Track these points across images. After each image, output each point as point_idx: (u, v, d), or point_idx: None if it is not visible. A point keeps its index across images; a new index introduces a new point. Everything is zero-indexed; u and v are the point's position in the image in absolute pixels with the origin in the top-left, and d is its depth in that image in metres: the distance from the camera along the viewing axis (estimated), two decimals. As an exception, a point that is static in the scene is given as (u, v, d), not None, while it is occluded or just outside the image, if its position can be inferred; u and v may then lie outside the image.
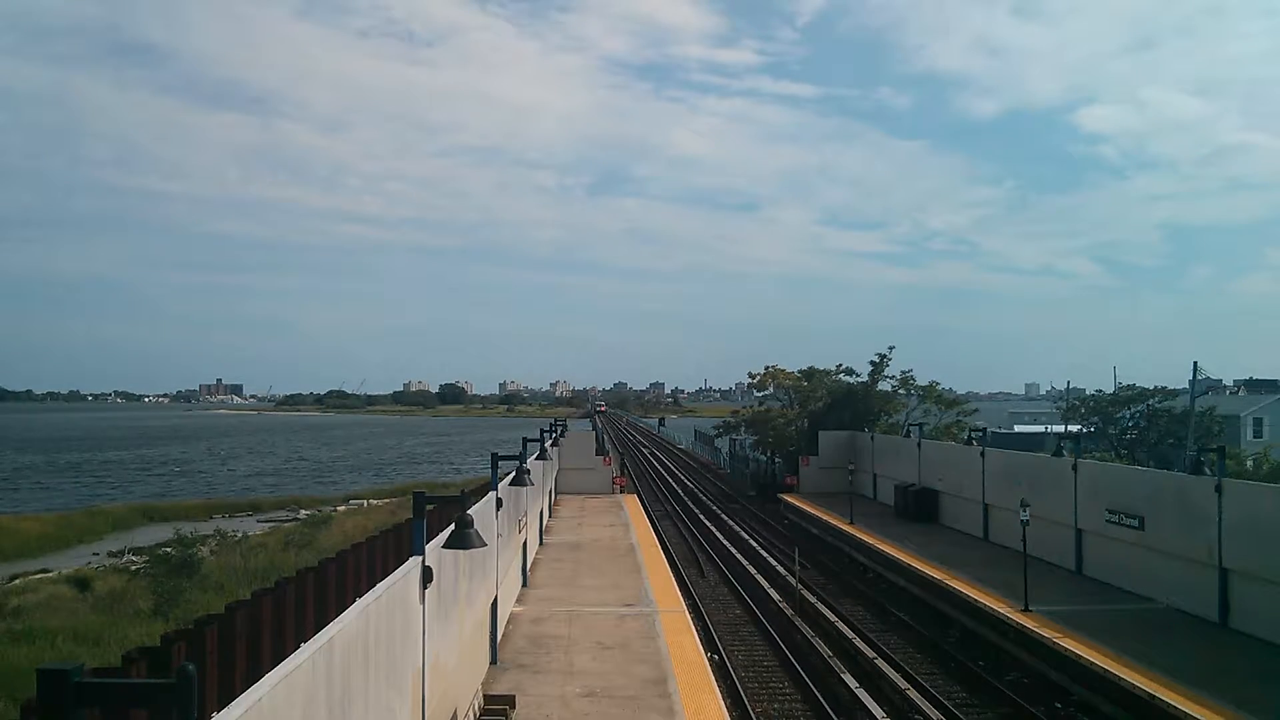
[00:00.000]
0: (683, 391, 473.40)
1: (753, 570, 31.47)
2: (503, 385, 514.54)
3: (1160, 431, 50.61)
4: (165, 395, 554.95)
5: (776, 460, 55.02)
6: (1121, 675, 16.74)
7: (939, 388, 52.96)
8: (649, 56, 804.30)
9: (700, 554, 35.53)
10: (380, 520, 44.81)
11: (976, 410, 58.30)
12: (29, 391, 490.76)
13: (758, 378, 59.42)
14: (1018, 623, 20.64)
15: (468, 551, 10.66)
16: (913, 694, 18.21)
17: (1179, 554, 21.69)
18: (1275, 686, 16.14)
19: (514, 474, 18.00)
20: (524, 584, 23.67)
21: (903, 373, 52.26)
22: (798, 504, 42.81)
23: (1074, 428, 54.35)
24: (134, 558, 40.80)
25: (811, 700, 18.64)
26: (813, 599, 26.66)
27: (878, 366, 52.14)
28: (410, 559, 9.59)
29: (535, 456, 28.24)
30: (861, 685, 18.85)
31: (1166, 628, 20.29)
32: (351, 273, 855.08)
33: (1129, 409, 52.52)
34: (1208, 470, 22.85)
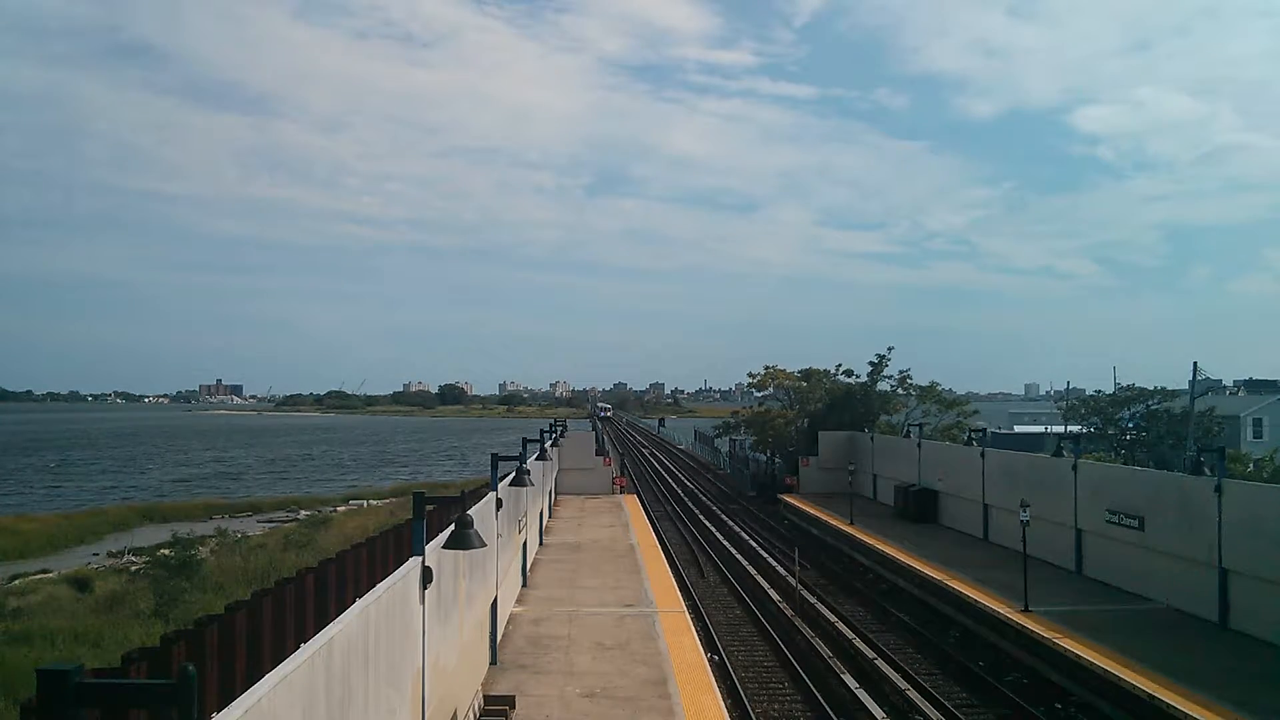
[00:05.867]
0: (683, 392, 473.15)
1: (752, 571, 31.47)
2: (503, 385, 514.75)
3: (1160, 432, 50.61)
4: (165, 395, 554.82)
5: (776, 461, 55.02)
6: (1121, 675, 16.74)
7: (938, 388, 53.00)
8: (647, 57, 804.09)
9: (700, 554, 35.53)
10: (380, 521, 44.80)
11: (976, 411, 58.30)
12: (29, 392, 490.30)
13: (757, 378, 59.46)
14: (1018, 623, 20.64)
15: (467, 552, 10.67)
16: (913, 694, 18.22)
17: (1179, 554, 21.70)
18: (1275, 687, 16.15)
19: (514, 474, 17.98)
20: (524, 584, 23.68)
21: (901, 373, 52.34)
22: (797, 504, 42.81)
23: (1074, 428, 54.38)
24: (134, 558, 40.79)
25: (811, 701, 18.64)
26: (812, 599, 26.67)
27: (877, 367, 52.16)
28: (410, 559, 9.60)
29: (535, 457, 28.23)
30: (861, 685, 18.87)
31: (1166, 628, 20.30)
32: (351, 273, 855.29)
33: (1129, 409, 52.56)
34: (1208, 471, 22.84)
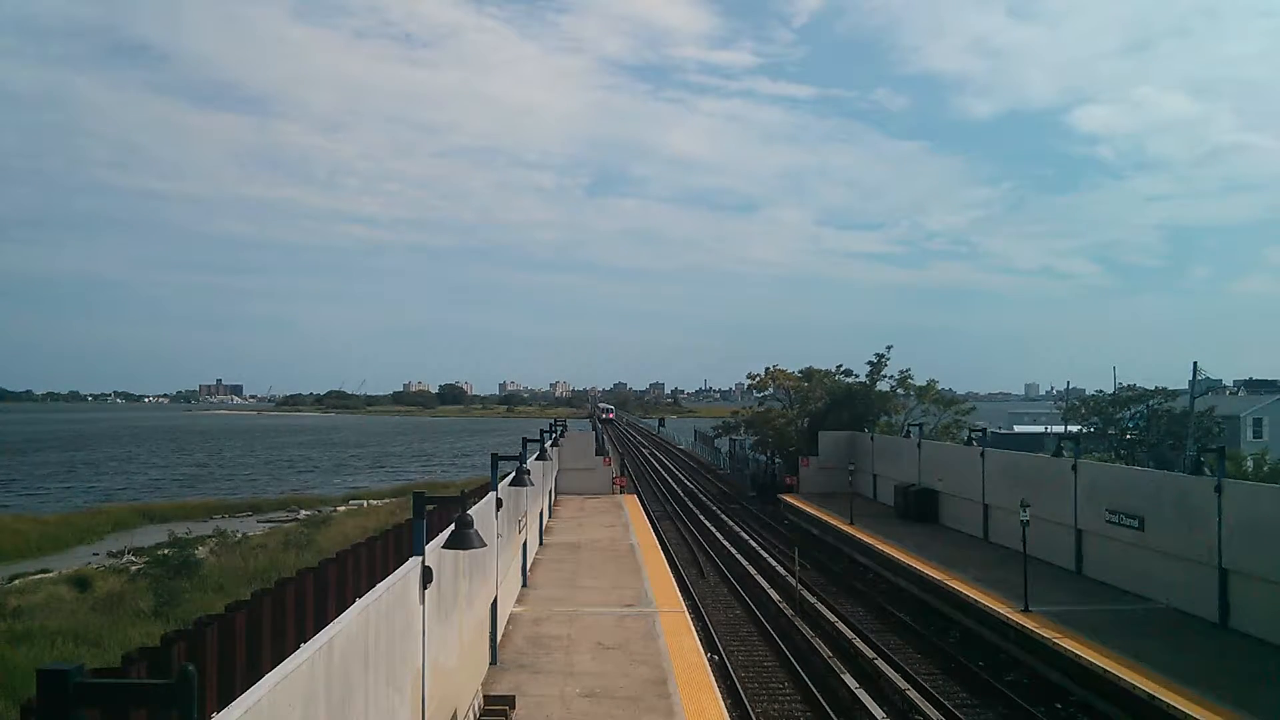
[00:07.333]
0: (683, 392, 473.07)
1: (752, 571, 31.46)
2: (503, 385, 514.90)
3: (1160, 432, 50.62)
4: (165, 395, 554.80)
5: (776, 461, 55.00)
6: (1121, 675, 16.74)
7: (936, 387, 53.00)
8: (647, 58, 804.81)
9: (700, 554, 35.52)
10: (380, 521, 44.80)
11: (974, 409, 58.30)
12: (29, 392, 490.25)
13: (758, 378, 59.42)
14: (1018, 623, 20.64)
15: (468, 552, 10.66)
16: (913, 694, 18.21)
17: (1179, 554, 21.69)
18: (1275, 687, 16.15)
19: (514, 474, 17.98)
20: (524, 584, 23.67)
21: (901, 372, 52.33)
22: (797, 504, 42.80)
23: (1074, 428, 54.37)
24: (134, 558, 40.78)
25: (811, 701, 18.63)
26: (812, 599, 26.65)
27: (876, 366, 52.16)
28: (410, 559, 9.60)
29: (535, 457, 28.23)
30: (861, 686, 18.85)
31: (1166, 628, 20.29)
32: (351, 273, 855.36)
33: (1129, 409, 52.56)
34: (1207, 471, 22.84)
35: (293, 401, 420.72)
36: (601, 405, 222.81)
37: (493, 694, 15.02)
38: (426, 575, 9.67)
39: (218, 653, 7.77)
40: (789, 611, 25.25)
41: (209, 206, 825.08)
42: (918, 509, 36.33)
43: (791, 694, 19.31)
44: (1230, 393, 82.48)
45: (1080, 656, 18.05)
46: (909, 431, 43.99)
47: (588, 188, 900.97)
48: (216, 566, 35.75)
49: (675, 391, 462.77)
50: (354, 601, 7.78)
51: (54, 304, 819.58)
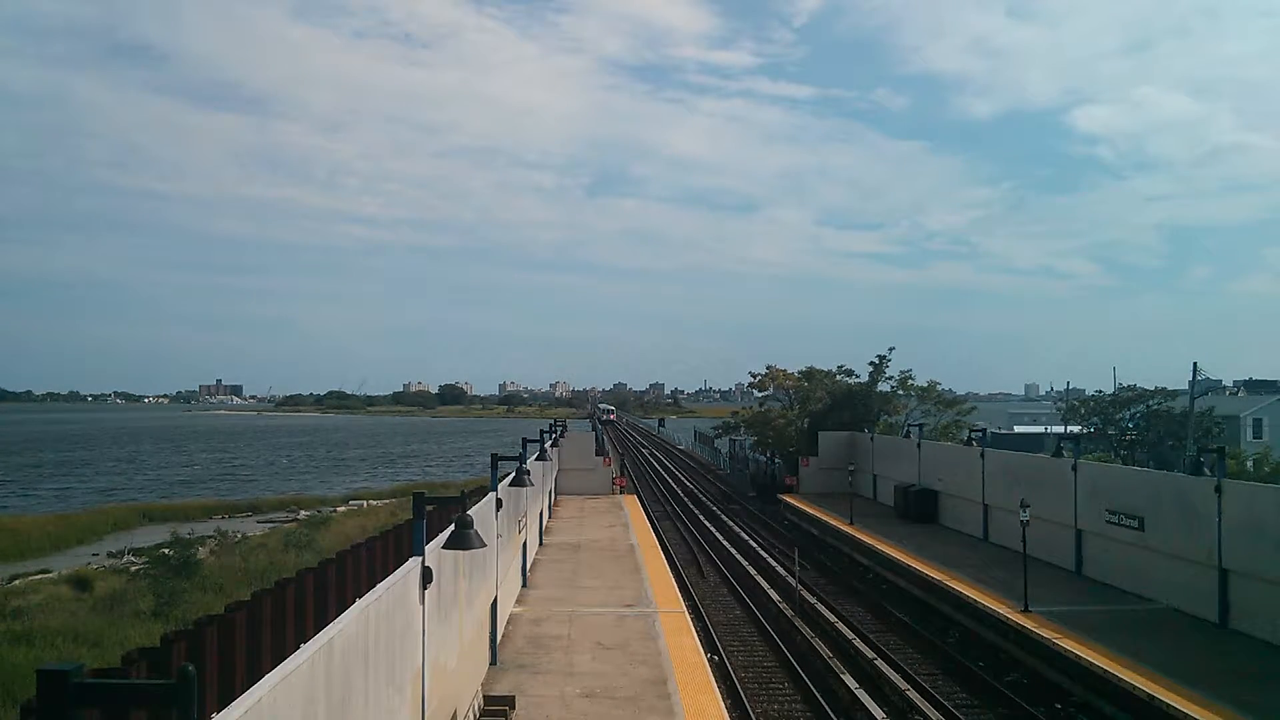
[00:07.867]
0: (683, 392, 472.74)
1: (752, 571, 31.47)
2: (502, 386, 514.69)
3: (1160, 432, 50.68)
4: (165, 396, 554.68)
5: (776, 461, 55.01)
6: (1121, 676, 16.75)
7: (938, 388, 53.03)
8: (646, 58, 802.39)
9: (700, 555, 35.53)
10: (380, 521, 44.81)
11: (974, 409, 58.38)
12: (29, 392, 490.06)
13: (758, 378, 59.44)
14: (1017, 623, 20.64)
15: (467, 552, 10.68)
16: (913, 694, 18.22)
17: (1179, 554, 21.71)
18: (1274, 687, 16.15)
19: (514, 474, 18.00)
20: (524, 584, 23.68)
21: (901, 373, 52.34)
22: (798, 504, 42.81)
23: (1074, 428, 54.43)
24: (134, 558, 40.79)
25: (811, 701, 18.65)
26: (812, 599, 26.67)
27: (878, 367, 52.17)
28: (410, 560, 9.60)
29: (535, 457, 28.23)
30: (861, 686, 18.86)
31: (1166, 628, 20.30)
32: (351, 273, 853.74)
33: (1129, 410, 52.63)
34: (1207, 471, 22.84)
35: (293, 402, 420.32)
36: (602, 406, 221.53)
37: (493, 694, 15.03)
38: (426, 575, 9.67)
39: (218, 653, 7.78)
40: (789, 612, 25.26)
41: (209, 206, 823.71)
42: (918, 509, 36.33)
43: (791, 694, 19.32)
44: (1230, 393, 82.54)
45: (1080, 656, 18.06)
46: (909, 432, 43.99)
47: (588, 188, 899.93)
48: (216, 566, 35.74)
49: (675, 392, 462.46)
50: (354, 602, 7.79)
51: (54, 304, 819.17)
